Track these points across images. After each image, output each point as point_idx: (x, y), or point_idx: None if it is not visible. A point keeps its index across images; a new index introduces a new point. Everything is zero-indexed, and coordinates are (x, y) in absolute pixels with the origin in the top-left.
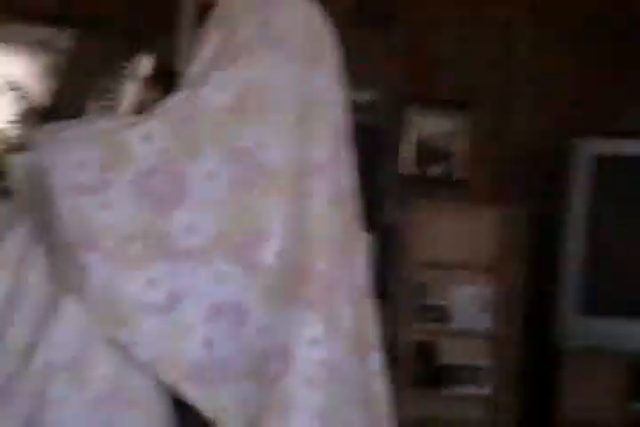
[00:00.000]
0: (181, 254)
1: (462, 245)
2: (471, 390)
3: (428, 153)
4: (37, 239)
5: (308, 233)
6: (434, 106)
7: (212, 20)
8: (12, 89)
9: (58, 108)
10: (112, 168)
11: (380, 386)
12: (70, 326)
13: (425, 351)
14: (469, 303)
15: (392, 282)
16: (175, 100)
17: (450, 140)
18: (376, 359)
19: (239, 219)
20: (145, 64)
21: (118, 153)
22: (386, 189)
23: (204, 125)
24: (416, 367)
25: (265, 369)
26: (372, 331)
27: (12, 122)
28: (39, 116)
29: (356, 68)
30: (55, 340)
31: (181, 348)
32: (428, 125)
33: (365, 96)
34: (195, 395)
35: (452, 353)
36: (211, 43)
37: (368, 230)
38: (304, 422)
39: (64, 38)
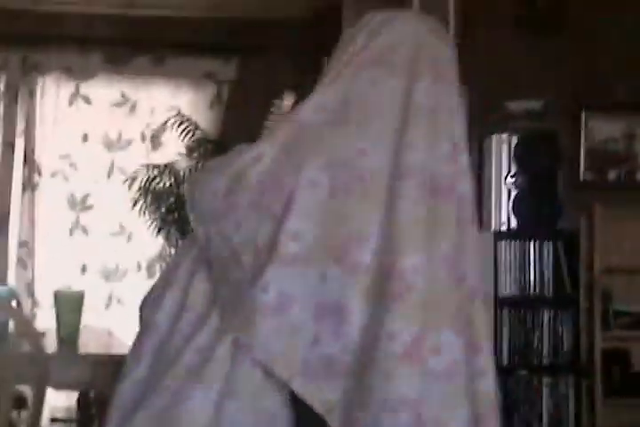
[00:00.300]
0: (288, 259)
1: None
2: None
3: (606, 157)
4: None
5: (395, 233)
6: (609, 109)
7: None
8: (181, 122)
9: (225, 140)
10: (233, 192)
11: (485, 386)
12: (212, 330)
13: (617, 359)
14: None
15: (575, 289)
16: (280, 123)
17: (628, 142)
18: (482, 360)
19: (339, 223)
20: (288, 99)
21: (236, 178)
22: (565, 195)
23: (306, 141)
24: (609, 376)
25: (363, 367)
26: (480, 331)
27: (182, 154)
28: (207, 147)
29: (529, 75)
30: (199, 345)
31: (294, 346)
32: (604, 129)
33: (538, 103)
34: (305, 390)
35: None
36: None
37: (548, 238)
38: (375, 414)
39: (230, 69)
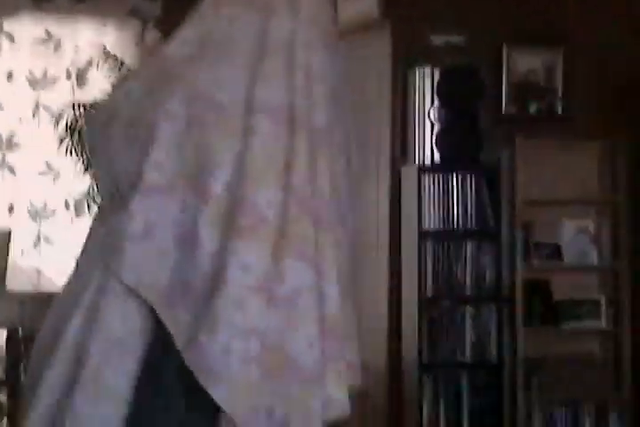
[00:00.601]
0: (152, 189)
1: (568, 181)
2: (588, 324)
3: (527, 90)
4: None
5: (248, 167)
6: (529, 42)
7: None
8: (106, 59)
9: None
10: (109, 125)
11: (330, 309)
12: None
13: (538, 289)
14: (579, 239)
15: (498, 222)
16: (145, 60)
17: (548, 75)
18: (328, 286)
19: (195, 153)
20: (151, 34)
21: (112, 113)
22: (487, 128)
23: (168, 75)
24: (530, 305)
25: (212, 294)
26: (328, 259)
27: (107, 92)
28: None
29: (449, 11)
30: (83, 278)
31: (159, 271)
32: (525, 63)
33: (461, 38)
34: (165, 313)
35: (566, 289)
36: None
37: (471, 171)
38: (224, 340)
39: (155, 6)
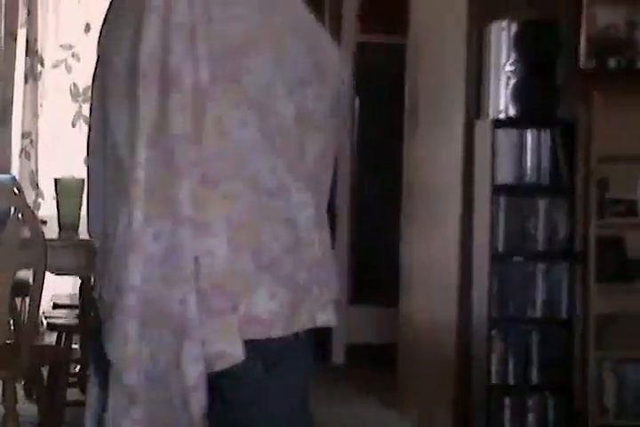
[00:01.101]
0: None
1: None
2: None
3: (606, 45)
4: None
5: (131, 129)
6: None
7: None
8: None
9: None
10: None
11: (207, 267)
12: None
13: (612, 246)
14: None
15: (572, 178)
16: None
17: (629, 30)
18: (209, 240)
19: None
20: None
21: None
22: (564, 83)
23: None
24: (603, 262)
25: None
26: (211, 215)
27: None
28: None
29: None
30: None
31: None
32: (605, 16)
33: None
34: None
35: None
36: None
37: (547, 126)
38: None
39: None
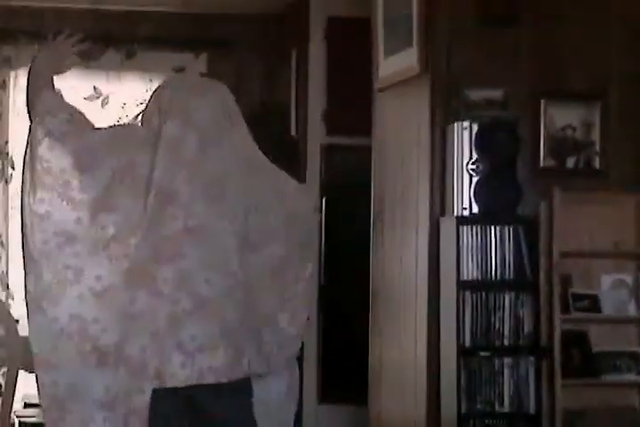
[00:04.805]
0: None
1: (606, 234)
2: (628, 377)
3: (564, 144)
4: None
5: None
6: (567, 97)
7: None
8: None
9: None
10: None
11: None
12: None
13: (576, 341)
14: (617, 291)
15: (536, 273)
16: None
17: (586, 130)
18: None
19: None
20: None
21: None
22: (525, 181)
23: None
24: (568, 357)
25: None
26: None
27: None
28: None
29: (488, 66)
30: None
31: None
32: (563, 117)
33: (498, 92)
34: None
35: (605, 341)
36: None
37: (509, 223)
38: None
39: (200, 63)
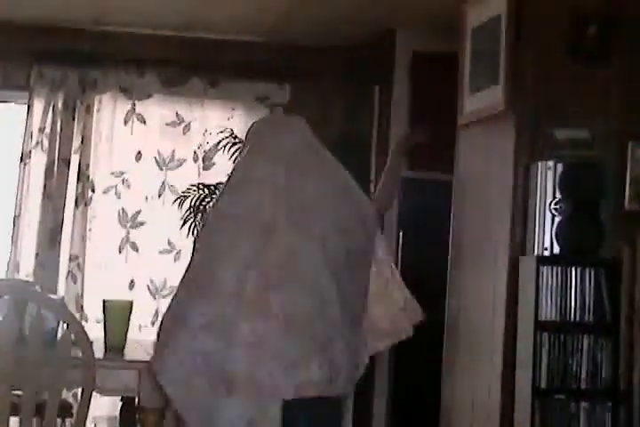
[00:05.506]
0: None
1: None
2: None
3: None
4: None
5: None
6: None
7: None
8: (233, 143)
9: None
10: None
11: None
12: None
13: None
14: None
15: (616, 317)
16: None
17: None
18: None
19: None
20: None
21: None
22: (609, 224)
23: None
24: None
25: None
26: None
27: None
28: None
29: (576, 104)
30: None
31: None
32: None
33: (584, 132)
34: None
35: None
36: None
37: (590, 265)
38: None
39: (283, 93)
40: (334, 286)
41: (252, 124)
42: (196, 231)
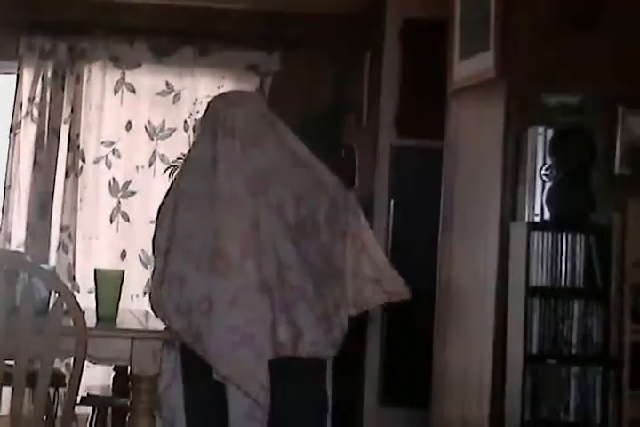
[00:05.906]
0: None
1: None
2: None
3: None
4: None
5: None
6: None
7: None
8: None
9: None
10: None
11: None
12: None
13: None
14: None
15: (607, 282)
16: None
17: None
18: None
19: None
20: None
21: None
22: (599, 189)
23: None
24: (637, 368)
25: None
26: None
27: None
28: None
29: (565, 71)
30: None
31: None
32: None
33: (575, 98)
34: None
35: None
36: None
37: (581, 231)
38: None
39: (273, 61)
40: (294, 252)
41: (210, 101)
42: None
